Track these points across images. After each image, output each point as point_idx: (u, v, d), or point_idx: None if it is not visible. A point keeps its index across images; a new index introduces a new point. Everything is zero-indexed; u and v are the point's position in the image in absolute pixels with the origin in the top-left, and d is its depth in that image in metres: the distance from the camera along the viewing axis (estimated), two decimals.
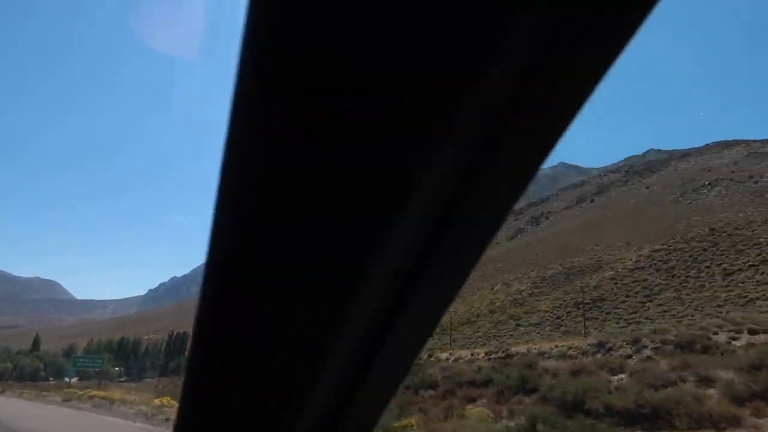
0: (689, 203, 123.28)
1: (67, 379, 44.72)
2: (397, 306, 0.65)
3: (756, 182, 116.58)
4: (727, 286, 35.70)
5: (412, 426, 13.67)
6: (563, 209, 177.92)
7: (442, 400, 17.44)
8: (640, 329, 33.41)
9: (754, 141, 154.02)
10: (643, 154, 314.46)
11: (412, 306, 0.66)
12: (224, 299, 0.59)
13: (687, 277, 42.85)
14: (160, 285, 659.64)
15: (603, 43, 0.44)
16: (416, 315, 0.70)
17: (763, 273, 35.25)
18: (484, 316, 65.18)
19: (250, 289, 0.57)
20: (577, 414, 12.73)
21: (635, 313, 41.59)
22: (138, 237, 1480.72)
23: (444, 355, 30.47)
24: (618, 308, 44.23)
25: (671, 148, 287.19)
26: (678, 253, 48.76)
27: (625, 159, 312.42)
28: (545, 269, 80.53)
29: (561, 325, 47.26)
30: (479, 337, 52.41)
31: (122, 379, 59.75)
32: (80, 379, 44.64)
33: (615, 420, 12.31)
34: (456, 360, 26.27)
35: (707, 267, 42.27)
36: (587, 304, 48.25)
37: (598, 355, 18.97)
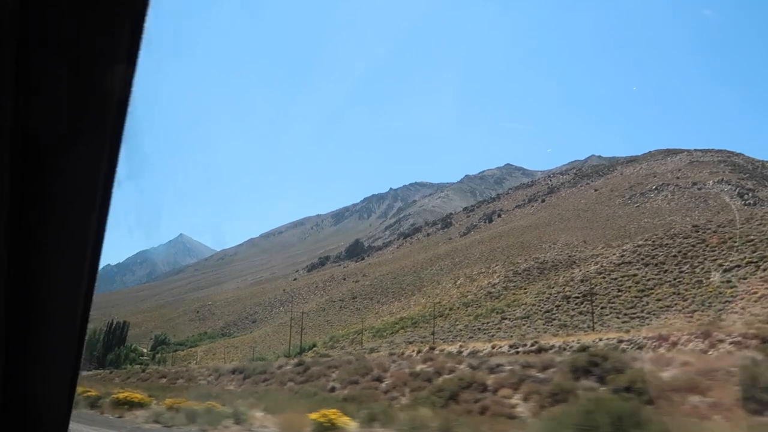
0: (638, 206, 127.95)
1: None
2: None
3: (699, 188, 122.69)
4: (728, 281, 35.39)
5: None
6: (514, 208, 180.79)
7: None
8: (648, 324, 32.54)
9: (696, 150, 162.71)
10: (585, 160, 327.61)
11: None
12: None
13: (681, 273, 42.62)
14: None
15: None
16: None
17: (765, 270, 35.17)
18: (458, 309, 63.59)
19: None
20: None
21: (633, 307, 40.97)
22: None
23: (452, 349, 27.87)
24: (613, 302, 43.46)
25: (611, 156, 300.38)
26: (665, 248, 48.77)
27: (569, 163, 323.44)
28: (514, 264, 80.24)
29: (554, 318, 46.19)
30: (460, 330, 50.55)
31: None
32: None
33: None
34: (473, 353, 23.76)
35: (700, 263, 42.18)
36: (577, 298, 47.50)
37: (661, 349, 16.92)
